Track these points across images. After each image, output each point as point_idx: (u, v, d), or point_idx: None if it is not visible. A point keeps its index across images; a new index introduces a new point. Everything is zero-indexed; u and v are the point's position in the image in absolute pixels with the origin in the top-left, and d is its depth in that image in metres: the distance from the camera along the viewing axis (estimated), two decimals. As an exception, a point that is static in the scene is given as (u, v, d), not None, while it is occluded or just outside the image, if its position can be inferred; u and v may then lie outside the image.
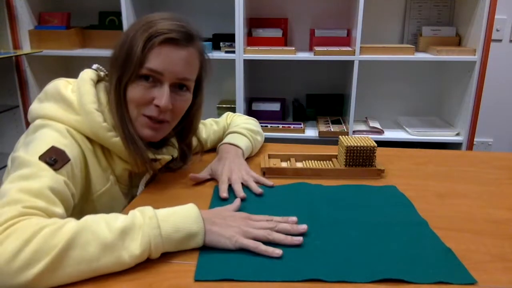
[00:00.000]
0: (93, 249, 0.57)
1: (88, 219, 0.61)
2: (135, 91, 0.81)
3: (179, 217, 0.65)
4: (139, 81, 0.81)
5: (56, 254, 0.55)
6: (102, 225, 0.60)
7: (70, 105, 0.79)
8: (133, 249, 0.60)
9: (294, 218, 0.73)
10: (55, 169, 0.69)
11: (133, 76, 0.80)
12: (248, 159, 1.09)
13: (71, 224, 0.59)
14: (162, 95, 0.81)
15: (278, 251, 0.64)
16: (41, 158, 0.69)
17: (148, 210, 0.65)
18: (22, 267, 0.54)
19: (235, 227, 0.68)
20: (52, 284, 0.56)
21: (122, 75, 0.81)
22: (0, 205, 0.60)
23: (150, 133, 0.84)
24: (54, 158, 0.70)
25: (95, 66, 0.87)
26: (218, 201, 0.84)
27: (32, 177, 0.66)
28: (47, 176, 0.67)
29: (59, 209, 0.66)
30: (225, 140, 1.05)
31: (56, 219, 0.61)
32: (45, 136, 0.74)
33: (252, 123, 1.14)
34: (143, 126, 0.83)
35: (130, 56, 0.79)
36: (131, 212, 0.64)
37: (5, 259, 0.53)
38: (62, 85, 0.82)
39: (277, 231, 0.68)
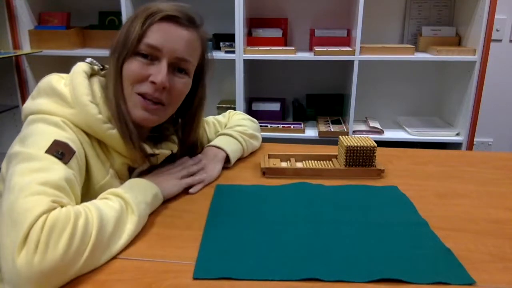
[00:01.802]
0: (111, 227, 0.65)
1: (91, 207, 0.65)
2: (131, 67, 0.79)
3: (140, 187, 0.77)
4: (136, 57, 0.79)
5: (94, 240, 0.60)
6: (107, 209, 0.67)
7: (63, 98, 0.77)
8: (131, 218, 0.70)
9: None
10: (64, 163, 0.68)
11: (130, 52, 0.79)
12: (248, 159, 1.09)
13: (91, 211, 0.64)
14: (159, 71, 0.79)
15: (205, 176, 0.92)
16: (48, 152, 0.67)
17: (120, 192, 0.72)
18: (75, 257, 0.58)
19: (170, 179, 0.86)
20: (93, 267, 0.61)
21: (120, 55, 0.79)
22: (23, 198, 0.59)
23: (143, 114, 0.81)
24: (61, 152, 0.69)
25: (88, 59, 0.85)
26: (219, 200, 0.84)
27: (46, 170, 0.65)
28: (60, 169, 0.66)
29: (73, 202, 0.66)
30: (213, 142, 1.04)
31: (77, 208, 0.63)
32: (43, 130, 0.72)
33: (248, 125, 1.13)
34: (136, 106, 0.80)
35: (129, 34, 0.79)
36: (113, 199, 0.70)
37: (58, 257, 0.56)
38: (55, 79, 0.80)
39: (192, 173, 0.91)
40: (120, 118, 0.79)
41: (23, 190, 0.60)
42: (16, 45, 2.07)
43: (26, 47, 2.09)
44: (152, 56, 0.80)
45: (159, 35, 0.79)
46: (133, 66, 0.79)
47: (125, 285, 0.59)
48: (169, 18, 0.80)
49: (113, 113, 0.79)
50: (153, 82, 0.79)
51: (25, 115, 0.78)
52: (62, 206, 0.61)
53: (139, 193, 0.75)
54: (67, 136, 0.73)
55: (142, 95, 0.80)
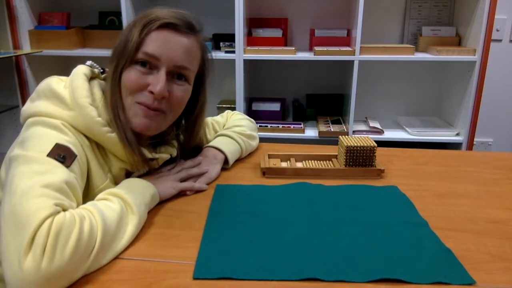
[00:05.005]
0: (114, 229, 0.65)
1: (94, 210, 0.65)
2: (129, 76, 0.78)
3: (139, 187, 0.77)
4: (134, 66, 0.79)
5: (99, 244, 0.61)
6: (108, 211, 0.67)
7: (62, 100, 0.76)
8: (131, 219, 0.70)
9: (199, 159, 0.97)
10: (66, 166, 0.68)
11: (129, 62, 0.78)
12: (248, 159, 1.09)
13: (94, 215, 0.64)
14: (158, 81, 0.78)
15: (205, 186, 0.91)
16: (50, 155, 0.67)
17: (121, 193, 0.72)
18: (81, 261, 0.59)
19: (168, 181, 0.86)
20: (95, 268, 0.62)
21: (118, 63, 0.79)
22: (26, 201, 0.59)
23: (143, 122, 0.80)
24: (63, 155, 0.68)
25: (89, 62, 0.85)
26: (219, 200, 0.84)
27: (48, 173, 0.64)
28: (62, 172, 0.66)
29: (74, 205, 0.66)
30: (212, 143, 1.04)
31: (80, 212, 0.62)
32: (43, 133, 0.71)
33: (246, 125, 1.13)
34: (136, 115, 0.79)
35: (127, 43, 0.78)
36: (113, 200, 0.70)
37: (65, 262, 0.56)
38: (54, 82, 0.79)
39: (191, 176, 0.92)
40: (118, 126, 0.78)
41: (26, 193, 0.60)
42: (16, 45, 2.07)
43: (26, 47, 2.09)
44: (150, 65, 0.79)
45: (157, 44, 0.78)
46: (132, 76, 0.78)
47: (125, 285, 0.59)
48: (168, 26, 0.79)
49: (112, 119, 0.79)
50: (151, 92, 0.78)
51: (24, 118, 0.77)
52: (64, 210, 0.61)
53: (138, 194, 0.75)
54: (68, 140, 0.72)
55: (142, 105, 0.79)
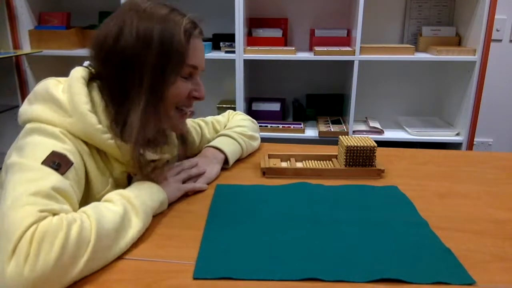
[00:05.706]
0: (113, 232, 0.65)
1: (90, 212, 0.64)
2: (177, 89, 0.79)
3: (149, 192, 0.77)
4: (178, 76, 0.79)
5: (92, 246, 0.60)
6: (108, 213, 0.66)
7: (61, 106, 0.75)
8: (135, 224, 0.69)
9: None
10: (61, 173, 0.67)
11: (176, 75, 0.78)
12: (248, 159, 1.09)
13: (89, 217, 0.63)
14: (200, 87, 0.83)
15: (205, 186, 0.91)
16: (44, 163, 0.67)
17: (130, 196, 0.72)
18: (70, 265, 0.57)
19: (172, 184, 0.86)
20: (92, 271, 0.61)
21: (162, 80, 0.76)
22: (13, 209, 0.59)
23: (185, 126, 0.87)
24: (58, 163, 0.68)
25: (86, 63, 0.83)
26: (219, 200, 0.84)
27: (40, 180, 0.64)
28: (54, 179, 0.65)
29: (69, 208, 0.65)
30: (212, 143, 1.04)
31: (71, 216, 0.61)
32: (41, 141, 0.71)
33: (247, 125, 1.13)
34: (179, 121, 0.85)
35: (168, 55, 0.75)
36: (117, 203, 0.70)
37: (49, 266, 0.55)
38: (52, 84, 0.78)
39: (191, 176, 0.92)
40: (149, 129, 0.77)
41: (14, 201, 0.60)
42: (16, 45, 2.07)
43: (26, 47, 2.09)
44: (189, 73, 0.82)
45: (196, 54, 0.80)
46: (181, 88, 0.80)
47: (125, 285, 0.59)
48: (199, 34, 0.82)
49: (141, 127, 0.76)
50: (197, 98, 0.83)
51: (22, 121, 0.76)
52: (54, 214, 0.61)
53: (148, 198, 0.75)
54: (66, 148, 0.72)
55: (182, 109, 0.83)
